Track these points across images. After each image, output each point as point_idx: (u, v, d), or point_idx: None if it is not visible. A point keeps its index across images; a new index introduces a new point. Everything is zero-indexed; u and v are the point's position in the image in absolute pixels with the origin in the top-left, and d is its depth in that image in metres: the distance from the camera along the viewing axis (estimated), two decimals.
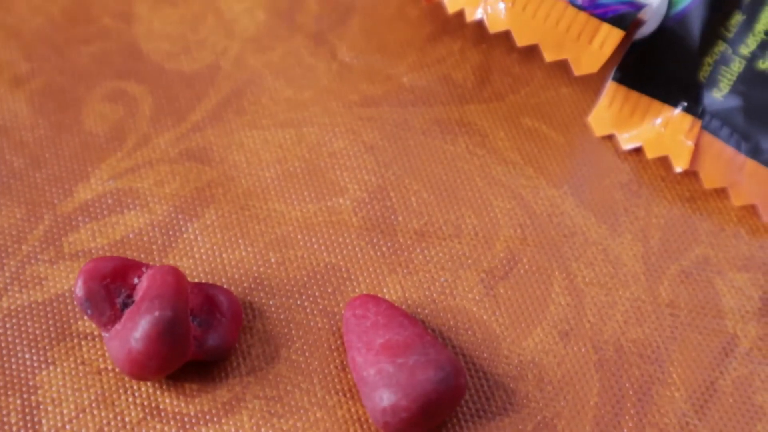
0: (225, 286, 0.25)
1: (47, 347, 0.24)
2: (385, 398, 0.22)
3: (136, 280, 0.23)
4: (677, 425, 0.24)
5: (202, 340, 0.23)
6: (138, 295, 0.23)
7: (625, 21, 0.27)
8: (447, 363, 0.22)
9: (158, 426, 0.23)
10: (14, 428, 0.22)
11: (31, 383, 0.23)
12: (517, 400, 0.24)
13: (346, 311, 0.24)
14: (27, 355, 0.24)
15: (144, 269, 0.23)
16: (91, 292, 0.23)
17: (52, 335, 0.24)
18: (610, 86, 0.29)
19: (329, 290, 0.25)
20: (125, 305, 0.23)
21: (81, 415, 0.23)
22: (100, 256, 0.23)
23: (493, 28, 0.28)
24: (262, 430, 0.23)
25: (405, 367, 0.22)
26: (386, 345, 0.23)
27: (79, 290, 0.23)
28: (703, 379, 0.24)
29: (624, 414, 0.24)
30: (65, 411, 0.23)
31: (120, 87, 0.29)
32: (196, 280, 0.25)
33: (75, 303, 0.24)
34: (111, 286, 0.23)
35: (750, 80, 0.28)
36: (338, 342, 0.24)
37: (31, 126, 0.28)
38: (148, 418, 0.23)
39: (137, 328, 0.22)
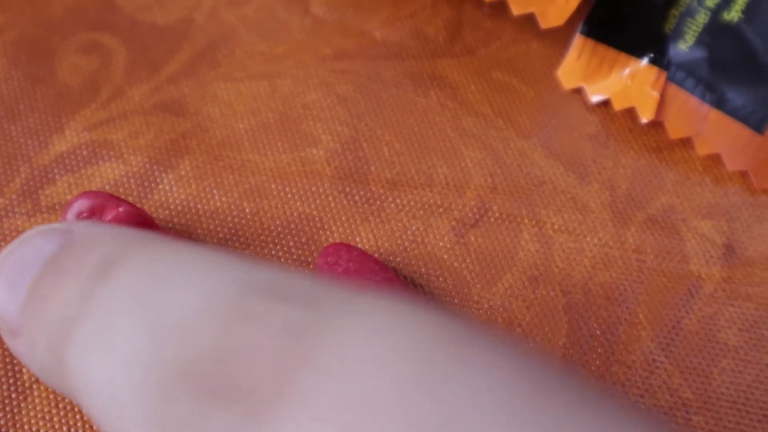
0: (201, 237, 0.25)
1: None
2: None
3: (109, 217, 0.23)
4: (644, 362, 0.24)
5: None
6: None
7: None
8: None
9: None
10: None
11: None
12: None
13: (319, 259, 0.24)
14: None
15: (120, 209, 0.23)
16: None
17: None
18: (578, 40, 0.29)
19: (303, 240, 0.26)
20: None
21: None
22: (84, 192, 0.23)
23: None
24: None
25: None
26: None
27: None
28: (669, 318, 0.25)
29: (592, 353, 0.24)
30: None
31: (94, 39, 0.29)
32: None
33: None
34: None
35: (714, 32, 0.29)
36: None
37: (5, 78, 0.28)
38: None
39: None
